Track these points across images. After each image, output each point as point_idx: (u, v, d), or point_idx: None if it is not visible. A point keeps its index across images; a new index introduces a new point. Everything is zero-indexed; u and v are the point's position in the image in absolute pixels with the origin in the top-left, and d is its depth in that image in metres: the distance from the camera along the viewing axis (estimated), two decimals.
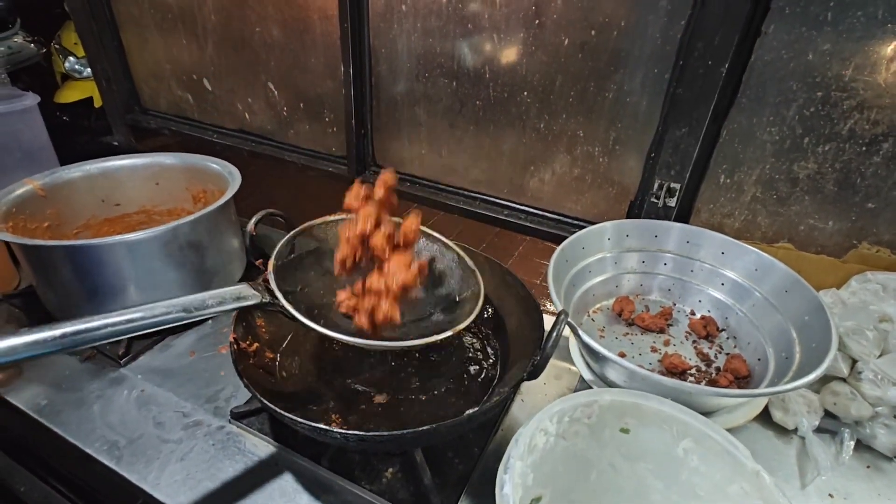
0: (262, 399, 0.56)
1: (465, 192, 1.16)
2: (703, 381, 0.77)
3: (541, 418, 0.50)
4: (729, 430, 0.64)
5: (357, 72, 1.12)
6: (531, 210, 1.09)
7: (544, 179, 1.05)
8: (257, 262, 0.75)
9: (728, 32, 0.76)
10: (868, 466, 0.68)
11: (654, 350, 0.83)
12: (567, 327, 0.63)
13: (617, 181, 0.98)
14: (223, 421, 0.72)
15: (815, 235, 0.85)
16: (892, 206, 0.78)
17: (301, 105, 1.28)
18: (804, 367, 0.65)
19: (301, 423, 0.54)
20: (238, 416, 0.72)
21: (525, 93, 0.98)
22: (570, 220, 1.06)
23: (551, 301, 0.72)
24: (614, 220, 0.90)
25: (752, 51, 0.77)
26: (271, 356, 0.73)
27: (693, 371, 0.79)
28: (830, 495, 0.64)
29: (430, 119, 1.11)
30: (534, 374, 0.60)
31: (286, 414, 0.54)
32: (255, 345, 0.70)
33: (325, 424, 0.54)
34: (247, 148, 1.40)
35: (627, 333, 0.86)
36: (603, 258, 0.89)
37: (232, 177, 0.95)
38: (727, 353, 0.82)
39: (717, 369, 0.79)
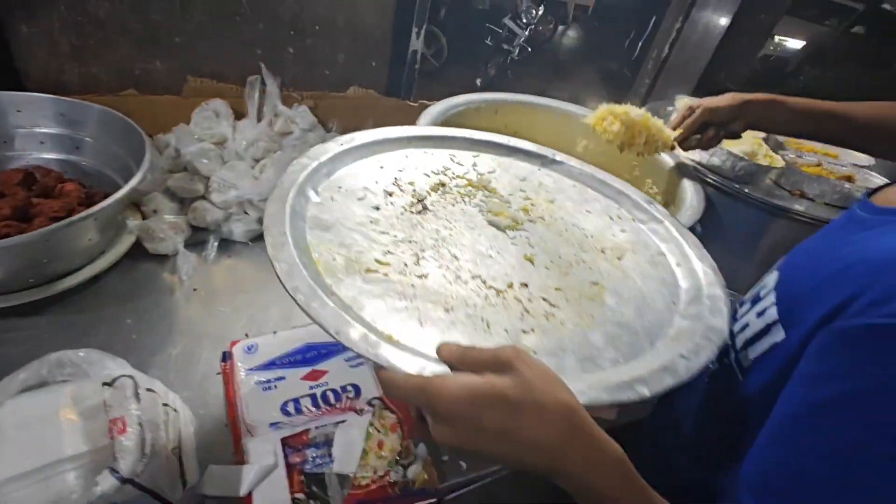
0: None
1: None
2: None
3: None
4: (97, 278, 0.69)
5: None
6: None
7: None
8: None
9: None
10: (229, 256, 0.85)
11: None
12: None
13: None
14: None
15: (154, 77, 0.90)
16: (196, 40, 0.88)
17: None
18: None
19: None
20: None
21: None
22: None
23: None
24: None
25: None
26: None
27: None
28: (195, 289, 0.77)
29: None
30: None
31: None
32: None
33: None
34: None
35: None
36: None
37: None
38: None
39: None
